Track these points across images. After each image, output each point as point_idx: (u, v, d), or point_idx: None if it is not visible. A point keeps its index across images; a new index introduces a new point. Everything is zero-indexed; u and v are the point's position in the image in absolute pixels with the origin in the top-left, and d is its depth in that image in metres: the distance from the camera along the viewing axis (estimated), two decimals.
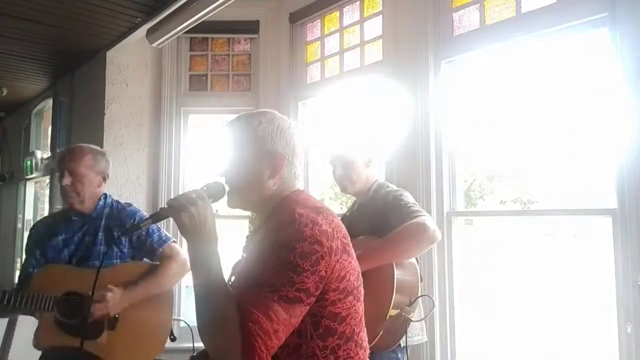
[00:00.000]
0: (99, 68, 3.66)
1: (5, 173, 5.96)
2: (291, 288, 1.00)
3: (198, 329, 1.05)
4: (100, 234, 2.05)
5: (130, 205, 2.21)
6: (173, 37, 3.31)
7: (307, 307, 1.04)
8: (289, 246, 1.03)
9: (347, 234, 1.15)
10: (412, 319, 1.80)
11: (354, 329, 1.11)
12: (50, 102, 4.94)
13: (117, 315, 1.94)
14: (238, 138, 1.21)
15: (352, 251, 1.15)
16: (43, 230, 2.11)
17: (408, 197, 1.94)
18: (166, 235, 2.12)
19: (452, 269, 2.55)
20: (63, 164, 2.02)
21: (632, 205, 1.90)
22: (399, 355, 1.88)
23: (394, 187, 2.07)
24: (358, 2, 3.17)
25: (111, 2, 2.94)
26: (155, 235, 2.07)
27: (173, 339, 2.07)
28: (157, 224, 2.09)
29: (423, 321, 1.99)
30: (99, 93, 3.60)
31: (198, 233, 1.09)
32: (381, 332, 1.73)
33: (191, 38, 3.74)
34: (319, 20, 3.44)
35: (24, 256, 2.11)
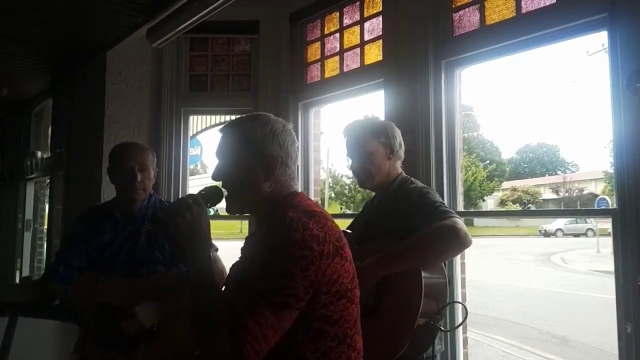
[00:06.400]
0: (99, 68, 3.65)
1: (5, 173, 5.96)
2: (280, 293, 1.02)
3: (192, 332, 1.09)
4: (143, 237, 1.93)
5: None
6: (173, 37, 3.31)
7: (297, 311, 1.04)
8: (279, 251, 1.04)
9: (342, 236, 1.14)
10: (442, 327, 1.62)
11: (347, 331, 1.12)
12: (50, 102, 4.94)
13: (154, 329, 1.82)
14: (231, 142, 1.22)
15: (348, 254, 1.14)
16: (88, 226, 1.98)
17: (435, 196, 1.75)
18: None
19: (452, 270, 2.54)
20: (133, 160, 1.93)
21: (632, 205, 1.89)
22: None
23: (419, 183, 1.87)
24: (358, 2, 3.17)
25: (111, 2, 2.94)
26: None
27: None
28: None
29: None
30: (99, 93, 3.60)
31: (192, 238, 1.12)
32: (407, 343, 1.52)
33: (191, 38, 3.74)
34: (319, 21, 3.44)
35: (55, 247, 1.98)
